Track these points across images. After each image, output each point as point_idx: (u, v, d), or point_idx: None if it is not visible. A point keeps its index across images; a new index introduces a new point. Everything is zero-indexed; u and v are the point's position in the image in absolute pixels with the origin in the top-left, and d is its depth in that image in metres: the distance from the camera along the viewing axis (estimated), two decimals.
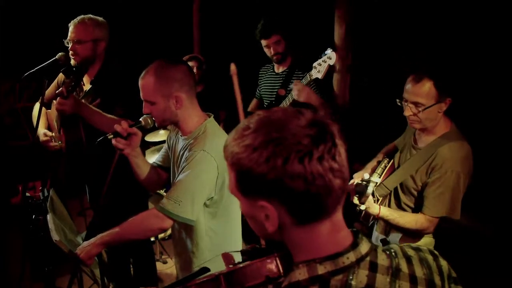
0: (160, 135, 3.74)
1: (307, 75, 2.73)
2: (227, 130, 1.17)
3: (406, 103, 1.94)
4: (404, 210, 2.10)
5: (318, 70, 2.66)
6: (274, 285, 0.85)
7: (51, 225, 1.84)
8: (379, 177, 2.14)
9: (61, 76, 2.71)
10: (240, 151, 0.79)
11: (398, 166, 2.15)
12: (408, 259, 0.87)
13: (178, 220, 1.72)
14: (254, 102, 3.44)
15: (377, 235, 2.32)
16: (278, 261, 0.86)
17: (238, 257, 0.98)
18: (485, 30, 2.83)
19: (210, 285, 0.91)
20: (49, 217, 1.89)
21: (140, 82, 1.75)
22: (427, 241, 2.09)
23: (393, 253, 0.87)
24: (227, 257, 0.99)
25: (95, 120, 2.32)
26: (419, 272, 0.86)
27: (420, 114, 1.89)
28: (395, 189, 2.13)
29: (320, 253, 0.81)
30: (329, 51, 2.64)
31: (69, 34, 2.44)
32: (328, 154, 0.76)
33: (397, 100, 2.00)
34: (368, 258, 0.82)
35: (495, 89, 2.84)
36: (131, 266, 2.92)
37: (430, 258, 0.90)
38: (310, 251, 0.82)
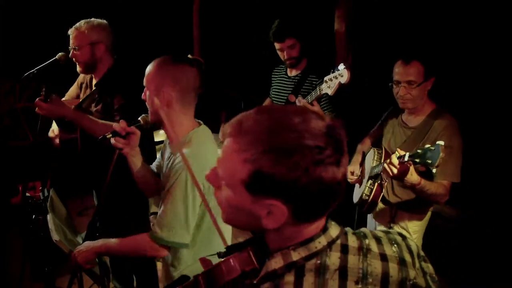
0: (160, 135, 3.73)
1: (317, 88, 2.51)
2: None
3: (399, 85, 2.16)
4: (407, 188, 2.15)
5: (328, 86, 2.44)
6: (251, 276, 0.87)
7: (51, 225, 1.84)
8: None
9: (81, 77, 2.71)
10: (267, 153, 0.76)
11: (392, 152, 2.21)
12: (378, 240, 0.90)
13: (175, 246, 1.67)
14: (267, 101, 3.28)
15: (375, 223, 2.43)
16: (252, 254, 0.89)
17: (216, 261, 0.98)
18: (484, 30, 2.83)
19: None
20: (49, 217, 1.90)
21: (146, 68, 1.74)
22: (429, 215, 2.31)
23: (362, 235, 0.90)
24: (205, 262, 1.00)
25: (86, 126, 2.31)
26: (389, 250, 0.89)
27: (413, 91, 2.13)
28: None
29: (294, 241, 0.84)
30: (341, 68, 2.39)
31: (70, 42, 2.46)
32: (344, 160, 0.80)
33: (390, 84, 2.21)
34: (339, 241, 0.86)
35: (494, 90, 2.84)
36: (131, 267, 2.92)
37: (399, 238, 0.93)
38: (288, 241, 0.85)
